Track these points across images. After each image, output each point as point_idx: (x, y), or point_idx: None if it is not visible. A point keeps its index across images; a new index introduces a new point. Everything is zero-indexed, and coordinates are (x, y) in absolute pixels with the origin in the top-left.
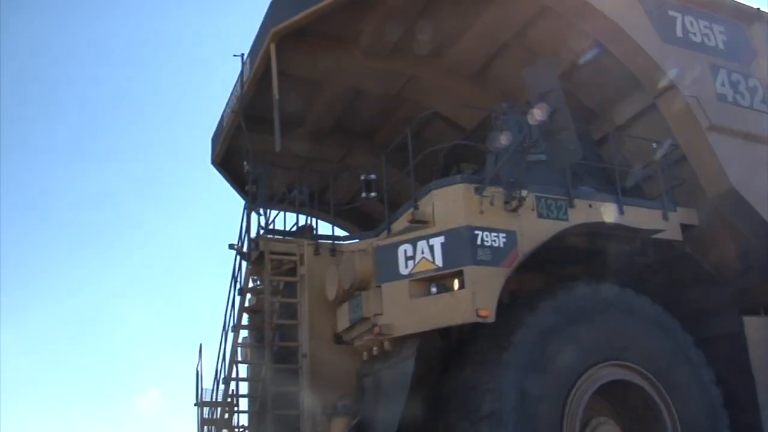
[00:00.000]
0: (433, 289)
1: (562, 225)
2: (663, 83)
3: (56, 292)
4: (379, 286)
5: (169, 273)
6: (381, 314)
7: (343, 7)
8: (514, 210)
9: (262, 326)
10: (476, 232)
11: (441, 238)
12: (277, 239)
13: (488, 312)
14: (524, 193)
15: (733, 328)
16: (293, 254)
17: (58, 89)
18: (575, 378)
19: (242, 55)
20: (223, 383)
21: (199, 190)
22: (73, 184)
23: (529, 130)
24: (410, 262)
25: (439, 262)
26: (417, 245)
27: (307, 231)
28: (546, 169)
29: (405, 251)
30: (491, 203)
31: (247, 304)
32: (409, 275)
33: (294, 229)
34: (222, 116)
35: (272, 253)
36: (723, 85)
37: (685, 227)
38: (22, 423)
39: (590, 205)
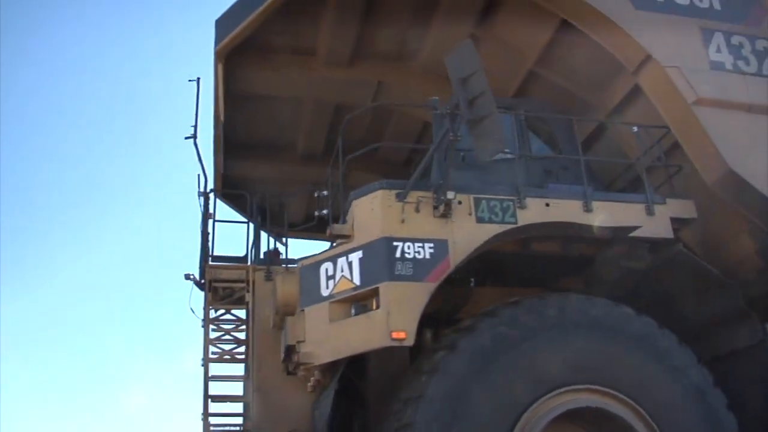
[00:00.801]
0: (353, 311)
1: (507, 228)
2: (638, 56)
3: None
4: (303, 311)
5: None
6: (303, 341)
7: (286, 17)
8: (444, 216)
9: None
10: (395, 243)
11: (359, 253)
12: (224, 266)
13: (404, 334)
14: (450, 195)
15: (753, 339)
16: (242, 281)
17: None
18: (521, 410)
19: (197, 79)
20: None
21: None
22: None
23: (450, 124)
24: (331, 282)
25: (357, 280)
26: (337, 263)
27: (274, 255)
28: (515, 167)
29: (326, 270)
30: (416, 210)
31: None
32: (329, 296)
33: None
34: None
35: (218, 281)
36: (719, 51)
37: (682, 222)
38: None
39: (547, 204)
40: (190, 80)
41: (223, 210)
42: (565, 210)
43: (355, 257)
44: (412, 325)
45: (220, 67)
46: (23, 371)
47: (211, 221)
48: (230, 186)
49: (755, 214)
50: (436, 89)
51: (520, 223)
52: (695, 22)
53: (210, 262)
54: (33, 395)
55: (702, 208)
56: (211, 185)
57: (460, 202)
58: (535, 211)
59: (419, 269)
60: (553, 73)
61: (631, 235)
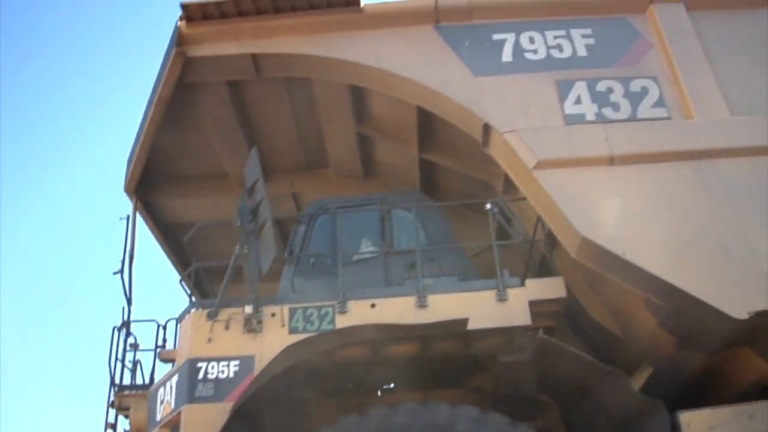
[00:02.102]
0: None
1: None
2: (479, 127)
3: None
4: None
5: None
6: None
7: (182, 146)
8: (253, 331)
9: None
10: (199, 365)
11: (176, 377)
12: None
13: None
14: (248, 309)
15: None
16: None
17: None
18: None
19: (127, 217)
20: None
21: None
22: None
23: (245, 236)
24: (161, 407)
25: (173, 404)
26: (165, 387)
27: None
28: (372, 266)
29: (160, 395)
30: (226, 327)
31: None
32: (159, 422)
33: None
34: None
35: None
36: (578, 102)
37: (553, 302)
38: None
39: (373, 305)
40: (120, 218)
41: None
42: (393, 309)
43: (173, 381)
44: None
45: (132, 205)
46: None
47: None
48: None
49: (631, 283)
50: (354, 189)
51: (338, 328)
52: (550, 76)
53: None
54: None
55: (599, 283)
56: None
57: (273, 314)
58: (357, 315)
59: (220, 389)
60: (439, 157)
61: (474, 327)
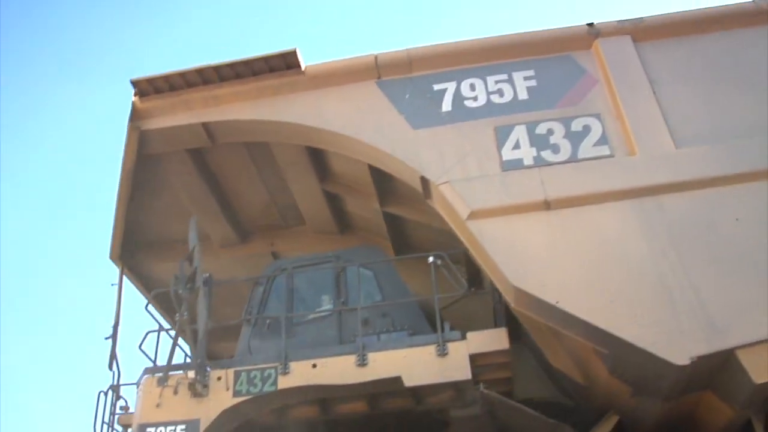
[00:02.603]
0: None
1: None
2: (417, 179)
3: None
4: None
5: None
6: None
7: (163, 214)
8: (199, 395)
9: None
10: (148, 429)
11: None
12: None
13: None
14: (191, 374)
15: None
16: None
17: None
18: None
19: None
20: None
21: None
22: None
23: (186, 303)
24: None
25: None
26: None
27: None
28: (326, 324)
29: None
30: (174, 392)
31: None
32: None
33: None
34: None
35: None
36: (517, 147)
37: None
38: None
39: (314, 365)
40: (112, 284)
41: None
42: (334, 369)
43: None
44: None
45: (120, 271)
46: None
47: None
48: None
49: (572, 331)
50: (331, 245)
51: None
52: (489, 122)
53: None
54: None
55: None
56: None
57: (219, 378)
58: (299, 376)
59: None
60: (400, 210)
61: (414, 384)
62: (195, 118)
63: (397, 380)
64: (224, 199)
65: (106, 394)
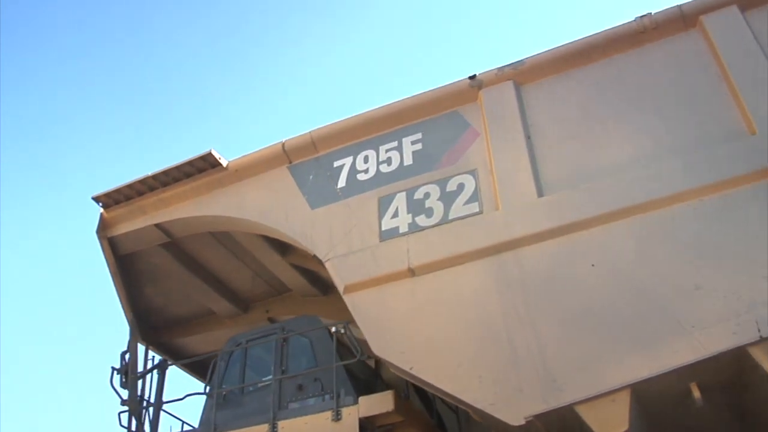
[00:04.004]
0: None
1: None
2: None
3: None
4: None
5: None
6: None
7: (166, 298)
8: None
9: None
10: None
11: None
12: None
13: None
14: None
15: None
16: None
17: None
18: None
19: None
20: None
21: None
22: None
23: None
24: None
25: None
26: None
27: None
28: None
29: None
30: None
31: None
32: None
33: None
34: None
35: None
36: (396, 215)
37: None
38: None
39: None
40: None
41: None
42: None
43: None
44: None
45: (144, 352)
46: None
47: None
48: None
49: (436, 394)
50: (317, 306)
51: None
52: (374, 193)
53: None
54: None
55: None
56: None
57: None
58: None
59: None
60: None
61: None
62: (149, 221)
63: None
64: (213, 278)
65: None
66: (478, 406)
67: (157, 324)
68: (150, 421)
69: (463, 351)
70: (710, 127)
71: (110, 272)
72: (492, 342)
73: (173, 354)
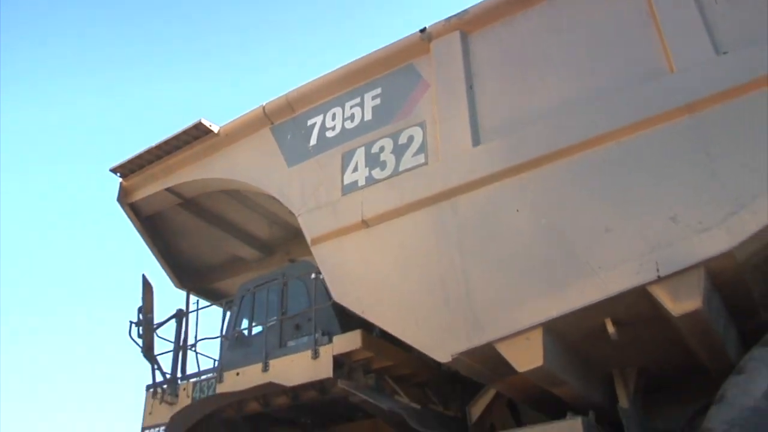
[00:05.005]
0: None
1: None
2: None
3: None
4: None
5: None
6: None
7: (195, 250)
8: (168, 403)
9: None
10: (145, 431)
11: None
12: None
13: None
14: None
15: None
16: None
17: None
18: None
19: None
20: None
21: None
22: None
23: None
24: None
25: None
26: None
27: None
28: (269, 333)
29: None
30: (160, 402)
31: None
32: None
33: None
34: None
35: None
36: (355, 170)
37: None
38: None
39: (238, 374)
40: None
41: None
42: (250, 376)
43: None
44: None
45: (186, 297)
46: None
47: None
48: None
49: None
50: None
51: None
52: (339, 149)
53: None
54: None
55: None
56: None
57: (184, 389)
58: (229, 383)
59: None
60: None
61: (294, 383)
62: (160, 186)
63: (270, 385)
64: (234, 229)
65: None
66: (415, 345)
67: (193, 272)
68: (172, 365)
69: (404, 295)
70: (635, 67)
71: (139, 233)
72: (428, 287)
73: (213, 296)
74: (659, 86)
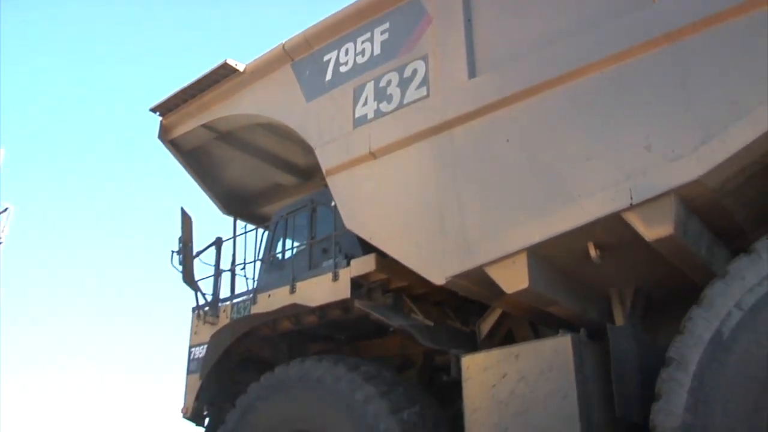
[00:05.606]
0: None
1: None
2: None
3: None
4: None
5: None
6: None
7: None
8: (212, 323)
9: None
10: (192, 349)
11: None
12: None
13: (186, 410)
14: (207, 309)
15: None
16: None
17: None
18: None
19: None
20: None
21: None
22: None
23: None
24: None
25: None
26: None
27: None
28: (300, 256)
29: None
30: (203, 322)
31: None
32: None
33: None
34: None
35: None
36: (365, 104)
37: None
38: None
39: (269, 296)
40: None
41: None
42: (279, 298)
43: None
44: (191, 404)
45: (234, 223)
46: None
47: None
48: None
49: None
50: None
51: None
52: (351, 84)
53: None
54: None
55: None
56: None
57: (224, 310)
58: (262, 304)
59: (198, 366)
60: None
61: (315, 304)
62: (196, 123)
63: (294, 306)
64: (272, 157)
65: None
66: (414, 268)
67: (237, 199)
68: (213, 288)
69: (406, 222)
70: None
71: (182, 166)
72: (427, 214)
73: (258, 220)
74: (642, 15)
